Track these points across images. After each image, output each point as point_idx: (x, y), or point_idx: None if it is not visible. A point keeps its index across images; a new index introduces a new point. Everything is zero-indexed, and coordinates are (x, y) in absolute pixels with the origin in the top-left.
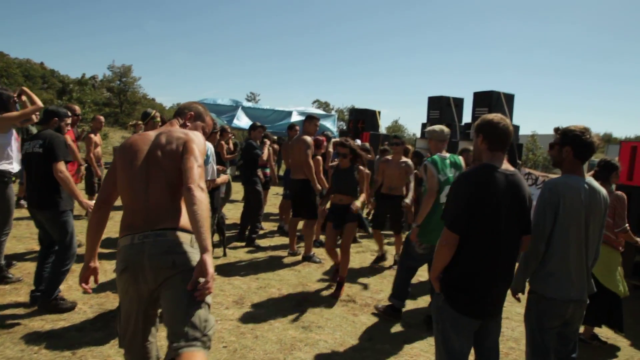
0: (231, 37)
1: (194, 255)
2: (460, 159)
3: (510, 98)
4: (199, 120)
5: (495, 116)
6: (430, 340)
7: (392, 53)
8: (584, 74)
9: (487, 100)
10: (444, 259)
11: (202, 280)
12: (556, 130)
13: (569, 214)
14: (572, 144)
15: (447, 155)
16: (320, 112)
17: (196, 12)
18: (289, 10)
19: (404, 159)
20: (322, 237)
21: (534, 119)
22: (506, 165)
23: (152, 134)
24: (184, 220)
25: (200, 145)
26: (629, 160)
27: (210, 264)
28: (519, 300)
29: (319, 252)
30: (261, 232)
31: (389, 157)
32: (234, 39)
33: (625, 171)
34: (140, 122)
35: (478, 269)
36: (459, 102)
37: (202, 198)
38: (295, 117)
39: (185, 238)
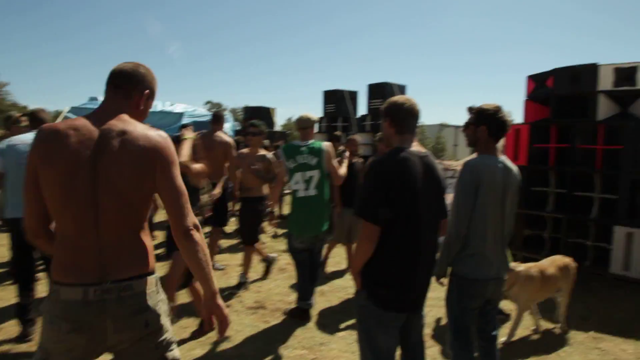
0: (114, 36)
1: (162, 304)
2: (322, 145)
3: (402, 89)
4: (152, 99)
5: (400, 97)
6: (349, 339)
7: (284, 51)
8: (466, 67)
9: (381, 91)
10: (365, 255)
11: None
12: (470, 109)
13: (488, 194)
14: (486, 123)
15: (309, 142)
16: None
17: (72, 13)
18: (175, 16)
19: (263, 152)
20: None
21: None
22: (418, 147)
23: (91, 128)
24: (151, 259)
25: (175, 153)
26: (514, 141)
27: (224, 306)
28: (442, 285)
29: (222, 259)
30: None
31: (246, 150)
32: (118, 39)
33: (511, 152)
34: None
35: (400, 260)
36: (354, 95)
37: (202, 240)
38: (187, 120)
39: (152, 284)
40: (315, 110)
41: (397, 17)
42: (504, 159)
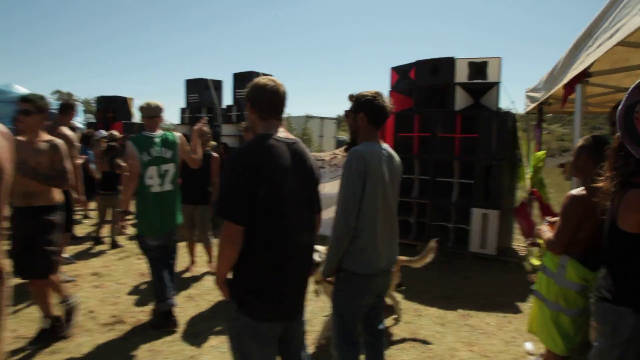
0: None
1: None
2: (175, 136)
3: (217, 84)
4: None
5: (263, 78)
6: (222, 348)
7: (146, 42)
8: (334, 59)
9: (248, 81)
10: (229, 260)
11: None
12: (350, 97)
13: (375, 183)
14: (364, 110)
15: (158, 132)
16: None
17: None
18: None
19: (47, 137)
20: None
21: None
22: (285, 134)
23: None
24: None
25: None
26: (380, 131)
27: None
28: (331, 283)
29: (73, 269)
30: None
31: (22, 137)
32: None
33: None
34: None
35: (270, 264)
36: (218, 85)
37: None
38: None
39: None
40: (178, 101)
41: (266, 2)
42: (387, 146)
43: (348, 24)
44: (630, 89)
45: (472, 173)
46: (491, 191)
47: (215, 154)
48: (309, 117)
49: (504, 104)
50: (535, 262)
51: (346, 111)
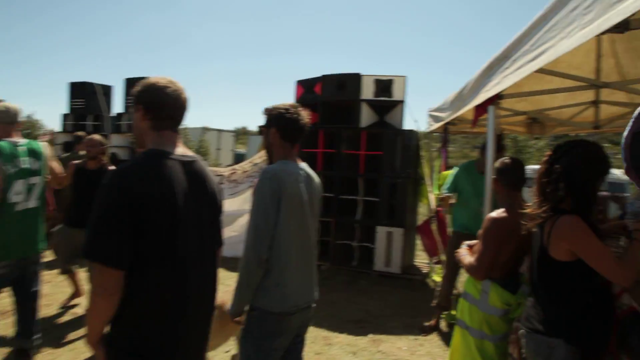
0: None
1: None
2: (41, 145)
3: (107, 90)
4: None
5: (161, 79)
6: None
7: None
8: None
9: (83, 91)
10: (104, 315)
11: None
12: (265, 111)
13: (291, 207)
14: (276, 125)
15: (22, 141)
16: None
17: None
18: None
19: None
20: None
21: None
22: (183, 150)
23: None
24: None
25: None
26: None
27: None
28: (240, 324)
29: None
30: None
31: None
32: None
33: None
34: None
35: (162, 316)
36: (107, 90)
37: None
38: None
39: None
40: (59, 106)
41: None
42: (305, 166)
43: (250, 32)
44: (635, 115)
45: (376, 191)
46: (395, 209)
47: (112, 168)
48: (206, 129)
49: (408, 122)
50: (437, 278)
51: (260, 127)
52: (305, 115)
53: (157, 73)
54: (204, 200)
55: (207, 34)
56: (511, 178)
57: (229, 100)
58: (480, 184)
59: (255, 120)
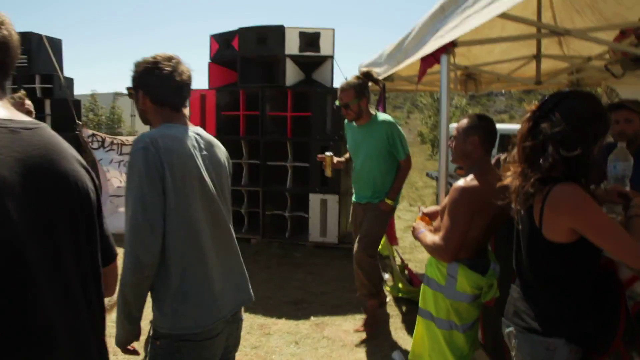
0: None
1: None
2: None
3: (56, 43)
4: None
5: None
6: None
7: None
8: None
9: (24, 44)
10: None
11: None
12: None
13: (185, 184)
14: (143, 86)
15: None
16: None
17: None
18: None
19: None
20: None
21: (94, 77)
22: (9, 113)
23: None
24: None
25: None
26: (200, 109)
27: None
28: (136, 353)
29: None
30: None
31: None
32: None
33: (198, 121)
34: None
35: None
36: (57, 44)
37: None
38: None
39: None
40: None
41: None
42: (201, 130)
43: None
44: None
45: (307, 155)
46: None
47: None
48: (118, 95)
49: (338, 80)
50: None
51: (127, 89)
52: (183, 69)
53: (50, 30)
54: (48, 183)
55: None
56: (492, 137)
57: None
58: (359, 137)
59: None
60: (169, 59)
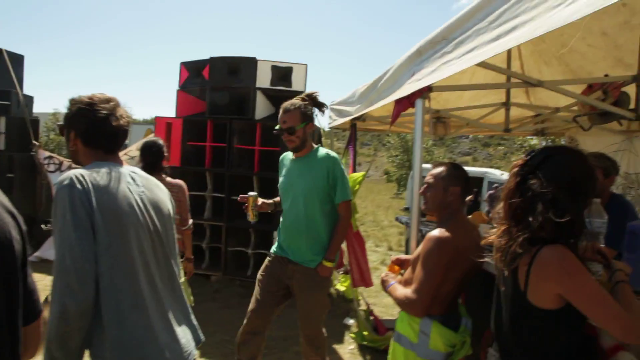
0: None
1: None
2: None
3: (18, 59)
4: None
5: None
6: None
7: None
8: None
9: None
10: None
11: None
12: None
13: (117, 221)
14: (75, 126)
15: None
16: None
17: None
18: None
19: None
20: None
21: (57, 95)
22: None
23: None
24: None
25: None
26: (165, 138)
27: None
28: None
29: None
30: None
31: None
32: None
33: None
34: None
35: None
36: (18, 60)
37: None
38: None
39: None
40: None
41: None
42: (135, 169)
43: (135, 16)
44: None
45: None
46: None
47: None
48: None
49: None
50: (341, 287)
51: (58, 125)
52: (121, 113)
53: (6, 44)
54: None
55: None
56: (469, 187)
57: (112, 87)
58: (294, 172)
59: (140, 109)
60: (107, 101)
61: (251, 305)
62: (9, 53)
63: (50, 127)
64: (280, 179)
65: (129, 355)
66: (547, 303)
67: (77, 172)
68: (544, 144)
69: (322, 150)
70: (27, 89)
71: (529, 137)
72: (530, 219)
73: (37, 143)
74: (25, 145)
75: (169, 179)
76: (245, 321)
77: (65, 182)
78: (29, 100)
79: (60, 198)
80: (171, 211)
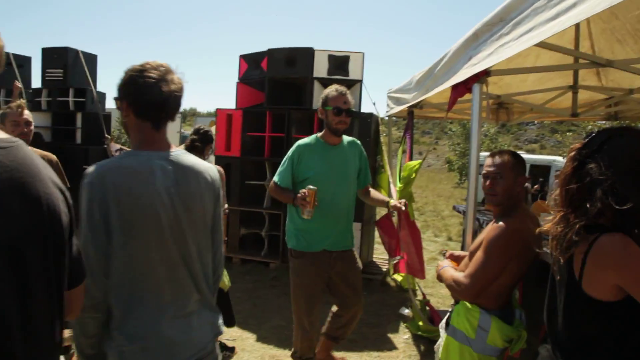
0: None
1: None
2: None
3: (92, 59)
4: None
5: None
6: None
7: None
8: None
9: (61, 59)
10: None
11: None
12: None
13: (134, 222)
14: (126, 95)
15: None
16: None
17: None
18: None
19: None
20: None
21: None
22: None
23: None
24: None
25: None
26: (226, 129)
27: None
28: None
29: None
30: None
31: None
32: None
33: (223, 141)
34: None
35: None
36: (23, 61)
37: None
38: None
39: None
40: None
41: None
42: (180, 154)
43: (194, 11)
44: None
45: None
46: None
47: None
48: None
49: (365, 104)
50: (398, 277)
51: (115, 98)
52: (172, 78)
53: (87, 44)
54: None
55: (140, 4)
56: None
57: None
58: (336, 160)
59: (203, 102)
60: (158, 66)
61: (308, 321)
62: (84, 53)
63: (121, 122)
64: (316, 167)
65: (132, 343)
66: (604, 294)
67: (101, 167)
68: None
69: (345, 137)
70: (101, 87)
71: (600, 122)
72: (588, 205)
73: (109, 136)
74: (99, 139)
75: None
76: (304, 337)
77: (86, 180)
78: (102, 96)
79: (81, 195)
80: (210, 201)
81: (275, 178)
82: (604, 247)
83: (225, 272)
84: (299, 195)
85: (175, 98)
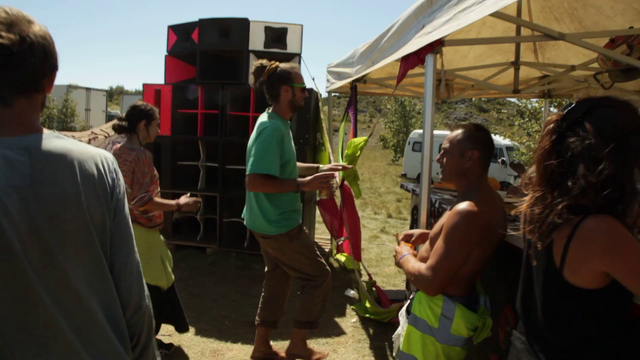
0: None
1: None
2: None
3: None
4: None
5: None
6: None
7: None
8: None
9: None
10: None
11: None
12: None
13: None
14: None
15: None
16: None
17: None
18: None
19: None
20: None
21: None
22: None
23: None
24: None
25: None
26: (154, 105)
27: None
28: None
29: None
30: None
31: None
32: None
33: None
34: None
35: None
36: None
37: None
38: None
39: None
40: None
41: None
42: (43, 139)
43: None
44: None
45: None
46: None
47: None
48: (71, 87)
49: (305, 80)
50: (342, 258)
51: None
52: (20, 28)
53: None
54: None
55: None
56: (491, 152)
57: (102, 57)
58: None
59: (131, 78)
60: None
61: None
62: None
63: None
64: (291, 148)
65: None
66: (588, 282)
67: None
68: (552, 108)
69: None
70: None
71: (532, 99)
72: (570, 183)
73: None
74: None
75: (126, 146)
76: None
77: None
78: None
79: None
80: (97, 201)
81: (261, 169)
82: (590, 230)
83: (168, 264)
84: (322, 179)
85: (29, 52)
